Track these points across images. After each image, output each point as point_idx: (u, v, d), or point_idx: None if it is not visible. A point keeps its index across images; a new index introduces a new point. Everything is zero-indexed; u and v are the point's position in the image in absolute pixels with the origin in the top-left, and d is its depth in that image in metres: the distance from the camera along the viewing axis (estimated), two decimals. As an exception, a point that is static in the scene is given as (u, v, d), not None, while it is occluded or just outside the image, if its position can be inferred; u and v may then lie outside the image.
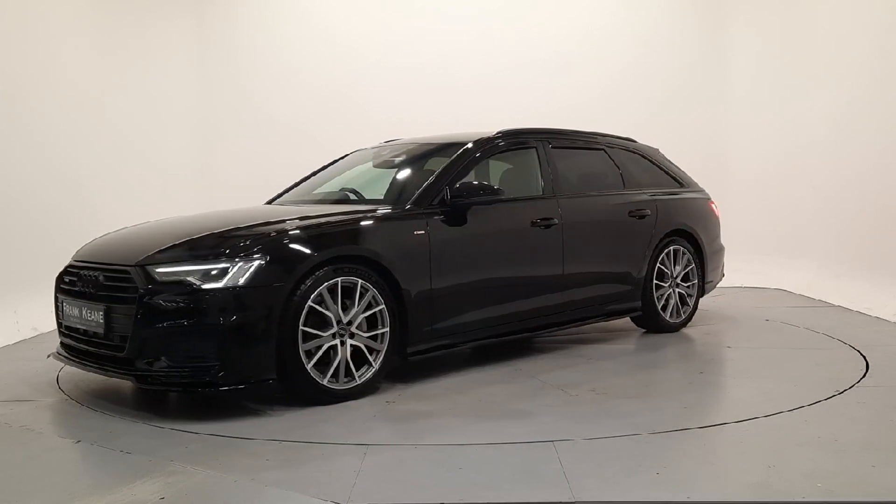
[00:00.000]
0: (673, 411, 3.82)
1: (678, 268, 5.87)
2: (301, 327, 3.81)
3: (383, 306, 4.12)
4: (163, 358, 3.69)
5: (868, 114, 7.31)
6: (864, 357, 4.91)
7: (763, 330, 5.93)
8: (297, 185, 5.70)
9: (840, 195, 7.71)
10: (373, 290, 4.08)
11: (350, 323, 4.00)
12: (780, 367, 4.83)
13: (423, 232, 4.38)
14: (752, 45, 9.04)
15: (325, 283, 3.89)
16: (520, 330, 4.96)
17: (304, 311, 3.82)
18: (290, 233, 4.00)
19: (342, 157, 5.88)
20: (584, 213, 5.29)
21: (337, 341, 3.96)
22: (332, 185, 5.40)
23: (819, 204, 8.05)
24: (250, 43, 9.16)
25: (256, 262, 3.75)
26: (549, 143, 5.33)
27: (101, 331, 3.92)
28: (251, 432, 3.55)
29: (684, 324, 5.96)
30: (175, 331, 3.67)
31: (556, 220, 5.02)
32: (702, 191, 6.43)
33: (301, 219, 4.21)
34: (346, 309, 4.02)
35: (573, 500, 2.74)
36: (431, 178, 4.68)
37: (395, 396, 4.18)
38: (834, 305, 6.96)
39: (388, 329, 4.15)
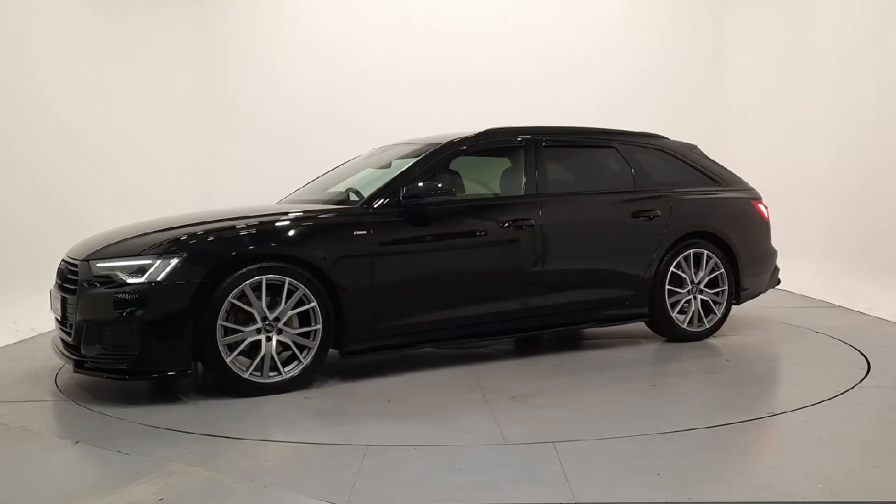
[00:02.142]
0: (577, 420, 3.68)
1: (701, 273, 5.42)
2: (221, 322, 3.99)
3: (315, 304, 4.19)
4: (97, 345, 4.00)
5: (868, 114, 7.30)
6: (866, 357, 4.89)
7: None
8: (309, 183, 5.73)
9: (840, 195, 7.70)
10: (303, 289, 4.16)
11: (278, 319, 4.12)
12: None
13: (364, 232, 4.41)
14: (753, 45, 9.05)
15: (248, 281, 4.04)
16: (487, 333, 4.86)
17: (224, 307, 3.99)
18: (213, 232, 4.20)
19: (358, 157, 5.86)
20: (571, 213, 5.09)
21: (262, 337, 4.09)
22: (342, 185, 5.38)
23: (819, 204, 8.05)
24: (249, 46, 9.15)
25: (175, 260, 3.99)
26: (543, 143, 5.18)
27: (59, 318, 4.34)
28: (251, 433, 3.54)
29: (709, 333, 5.49)
30: (104, 320, 3.98)
31: (533, 221, 4.87)
32: (748, 190, 5.92)
33: (237, 219, 4.39)
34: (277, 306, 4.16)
35: (573, 502, 2.73)
36: (389, 179, 4.73)
37: (319, 393, 4.22)
38: (834, 305, 6.95)
39: (319, 327, 4.22)
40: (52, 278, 4.60)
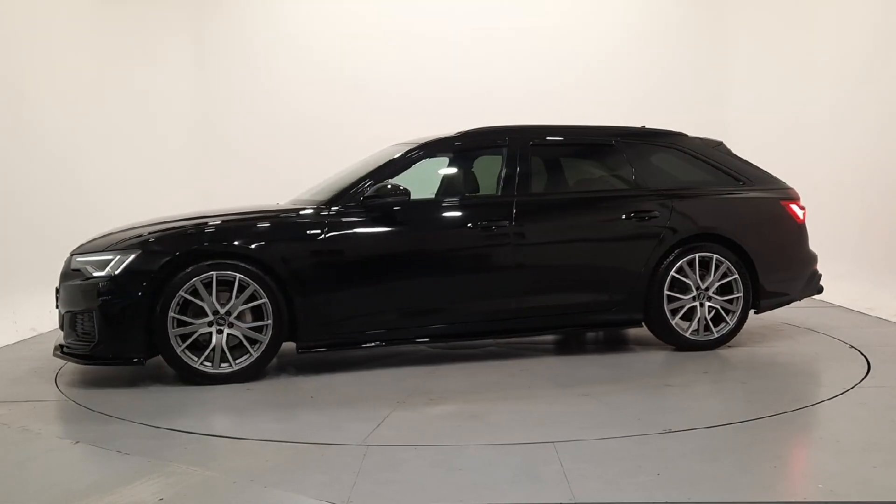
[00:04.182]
0: (457, 427, 3.62)
1: (709, 278, 5.07)
2: (172, 314, 4.26)
3: (265, 300, 4.37)
4: (73, 332, 4.42)
5: (868, 114, 7.31)
6: (866, 357, 4.89)
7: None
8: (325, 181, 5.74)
9: (840, 195, 7.70)
10: (254, 285, 4.36)
11: (229, 313, 4.34)
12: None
13: (318, 231, 4.54)
14: (751, 43, 9.04)
15: (199, 276, 4.30)
16: (448, 334, 4.82)
17: (175, 301, 4.26)
18: (168, 231, 4.50)
19: (373, 155, 5.84)
20: (549, 214, 4.98)
21: (213, 329, 4.34)
22: None
23: (819, 204, 8.04)
24: (250, 40, 9.14)
25: (131, 256, 4.32)
26: (530, 142, 5.08)
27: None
28: (251, 432, 3.54)
29: (719, 342, 5.13)
30: (76, 310, 4.38)
31: (505, 223, 4.78)
32: (778, 189, 5.45)
33: (201, 218, 4.70)
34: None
35: (574, 502, 2.73)
36: (354, 179, 4.82)
37: (262, 385, 4.41)
38: (835, 305, 6.95)
39: (270, 322, 4.39)
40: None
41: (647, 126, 5.58)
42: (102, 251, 4.44)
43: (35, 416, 3.92)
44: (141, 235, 4.47)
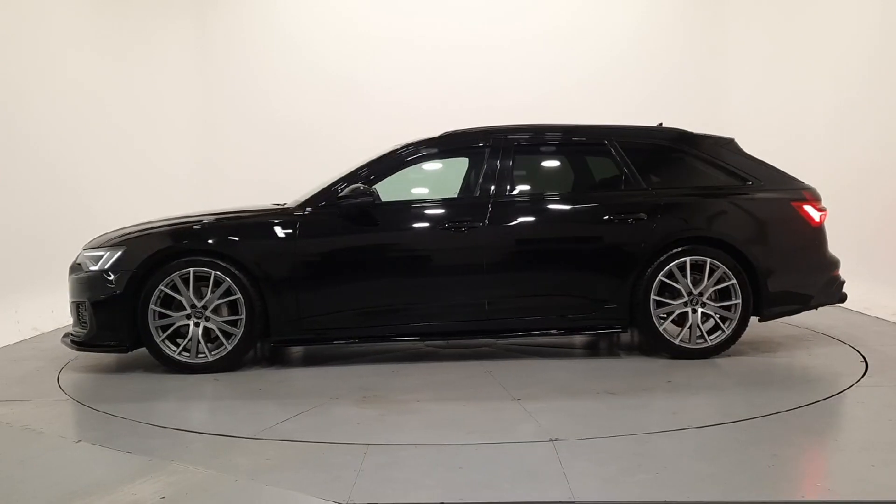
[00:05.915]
0: (369, 426, 3.65)
1: (703, 283, 4.83)
2: (153, 307, 4.59)
3: (239, 296, 4.63)
4: (78, 320, 4.79)
5: (868, 114, 7.32)
6: (864, 357, 4.91)
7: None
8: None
9: (840, 195, 7.70)
10: (228, 281, 4.62)
11: (206, 307, 4.64)
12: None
13: (290, 231, 4.74)
14: (751, 45, 9.05)
15: (178, 272, 4.61)
16: (417, 333, 4.87)
17: (156, 295, 4.60)
18: (150, 230, 4.82)
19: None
20: (526, 216, 4.90)
21: (190, 322, 4.64)
22: None
23: (819, 204, 8.07)
24: (252, 41, 9.17)
25: (118, 253, 4.68)
26: (514, 143, 5.05)
27: None
28: (252, 431, 3.56)
29: (715, 350, 4.89)
30: (77, 301, 4.78)
31: (479, 224, 4.78)
32: (790, 190, 5.15)
33: (180, 219, 4.97)
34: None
35: (573, 500, 2.75)
36: (334, 180, 4.95)
37: (229, 377, 4.63)
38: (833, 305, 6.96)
39: (243, 317, 4.64)
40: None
41: (663, 124, 5.45)
42: (97, 247, 4.80)
43: (37, 414, 3.94)
44: (127, 233, 4.83)
